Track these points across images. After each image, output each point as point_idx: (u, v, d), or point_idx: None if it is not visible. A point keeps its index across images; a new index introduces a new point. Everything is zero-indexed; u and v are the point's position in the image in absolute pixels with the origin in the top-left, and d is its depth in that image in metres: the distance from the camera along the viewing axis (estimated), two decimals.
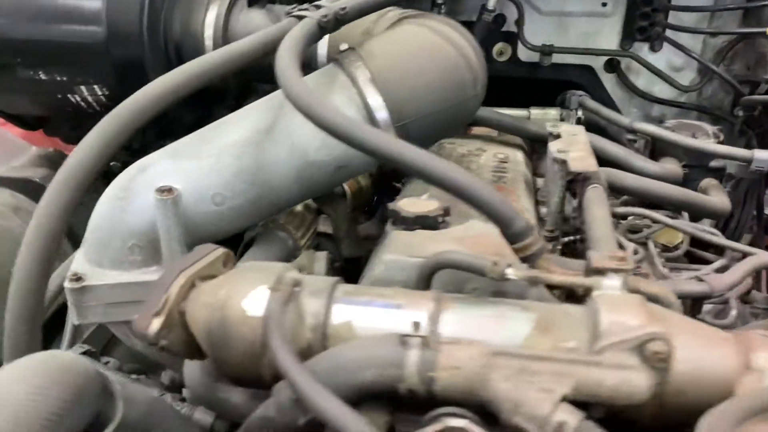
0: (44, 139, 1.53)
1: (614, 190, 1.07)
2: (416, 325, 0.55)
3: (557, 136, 1.18)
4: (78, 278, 0.84)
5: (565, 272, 0.65)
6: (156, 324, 0.66)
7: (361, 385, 0.53)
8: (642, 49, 1.52)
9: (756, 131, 1.40)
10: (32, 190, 1.28)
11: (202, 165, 0.84)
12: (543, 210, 1.15)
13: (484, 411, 0.52)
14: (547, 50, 1.49)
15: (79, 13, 1.09)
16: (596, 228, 0.90)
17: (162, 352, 0.69)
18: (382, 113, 0.86)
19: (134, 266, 0.86)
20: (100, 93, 1.16)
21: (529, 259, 0.66)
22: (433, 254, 0.69)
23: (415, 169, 0.67)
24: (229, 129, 0.86)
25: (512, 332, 0.59)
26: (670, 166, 1.22)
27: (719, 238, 1.03)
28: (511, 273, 0.64)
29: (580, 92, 1.44)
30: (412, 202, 0.88)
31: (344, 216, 1.11)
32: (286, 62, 0.76)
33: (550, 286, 0.65)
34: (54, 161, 1.40)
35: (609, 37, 1.51)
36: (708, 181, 1.23)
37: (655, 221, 1.03)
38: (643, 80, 1.55)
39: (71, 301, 0.84)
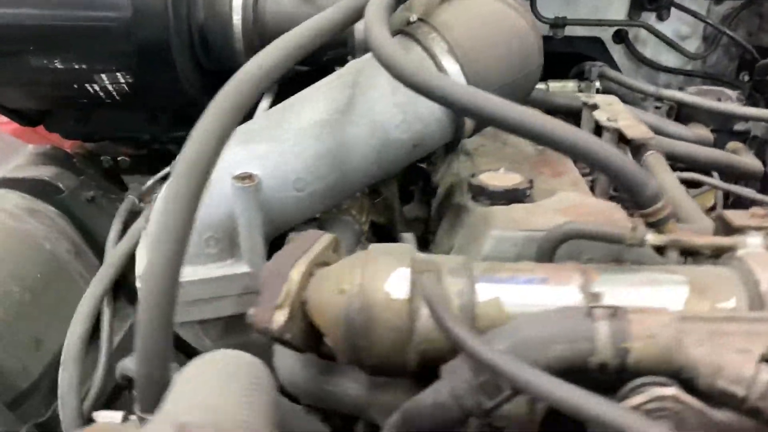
0: (33, 136, 1.42)
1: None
2: (596, 296, 0.53)
3: (594, 107, 1.18)
4: None
5: (702, 234, 0.64)
6: (280, 316, 0.62)
7: (551, 362, 0.50)
8: (649, 19, 1.54)
9: (766, 95, 1.44)
10: (44, 190, 1.19)
11: (281, 148, 0.79)
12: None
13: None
14: (560, 23, 1.49)
15: None
16: (673, 193, 0.90)
17: (284, 346, 0.66)
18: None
19: (210, 260, 0.80)
20: (123, 81, 1.08)
21: (658, 224, 0.65)
22: (556, 226, 0.67)
23: (538, 133, 0.63)
24: (303, 110, 0.82)
25: (670, 297, 0.58)
26: (701, 131, 1.24)
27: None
28: (651, 238, 0.63)
29: (600, 63, 1.44)
30: (493, 176, 0.86)
31: (396, 197, 1.07)
32: (377, 28, 0.71)
33: (686, 250, 0.64)
34: (58, 159, 1.30)
35: (618, 8, 1.52)
36: (734, 144, 1.26)
37: (713, 186, 1.05)
38: (650, 50, 1.57)
39: None
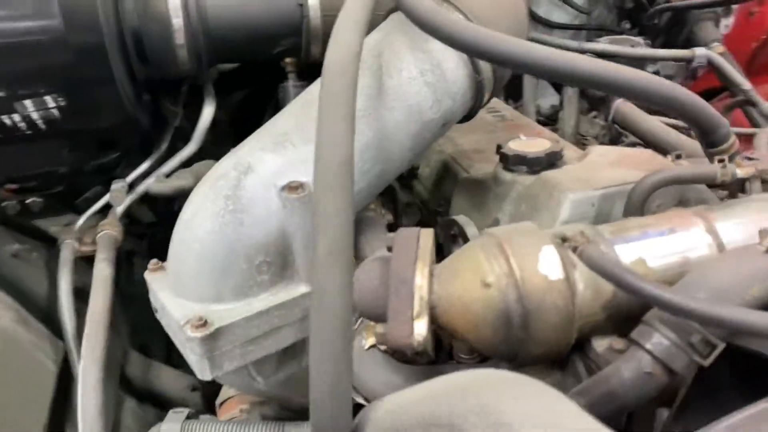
0: None
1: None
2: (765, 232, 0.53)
3: None
4: (204, 323, 0.66)
5: None
6: (421, 328, 0.56)
7: (749, 304, 0.50)
8: None
9: (655, 41, 1.57)
10: None
11: None
12: None
13: None
14: None
15: (22, 4, 0.83)
16: (661, 132, 0.96)
17: (419, 357, 0.59)
18: None
19: (262, 289, 0.70)
20: (53, 105, 0.90)
21: (730, 160, 0.68)
22: (646, 176, 0.68)
23: (602, 79, 0.63)
24: None
25: None
26: None
27: None
28: (740, 172, 0.65)
29: None
30: (523, 144, 0.85)
31: (397, 185, 1.03)
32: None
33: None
34: None
35: None
36: None
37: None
38: (543, 10, 1.65)
39: (200, 354, 0.66)
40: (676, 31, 1.63)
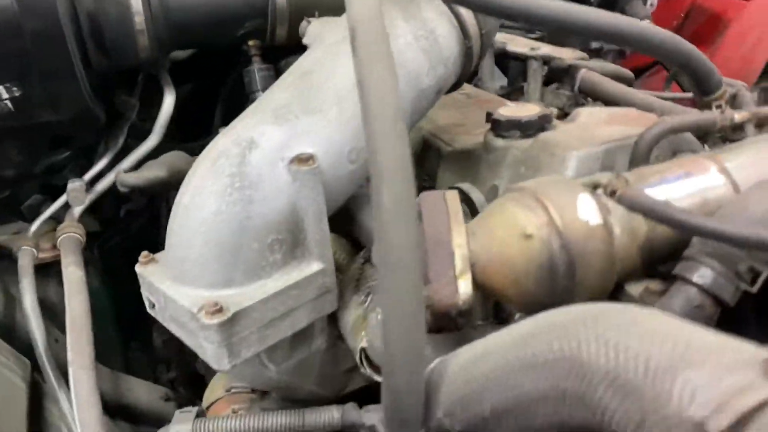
0: None
1: None
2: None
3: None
4: (219, 309, 0.62)
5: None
6: (465, 286, 0.55)
7: None
8: None
9: None
10: None
11: (327, 119, 0.68)
12: None
13: None
14: None
15: None
16: (630, 95, 0.99)
17: (462, 319, 0.58)
18: (472, 23, 0.80)
19: (275, 269, 0.66)
20: (6, 96, 0.82)
21: (721, 108, 0.71)
22: (651, 126, 0.69)
23: (607, 29, 0.64)
24: (333, 73, 0.71)
25: None
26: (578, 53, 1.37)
27: None
28: (738, 117, 0.68)
29: None
30: (513, 110, 0.85)
31: None
32: None
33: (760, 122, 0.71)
34: None
35: None
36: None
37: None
38: None
39: (217, 342, 0.62)
40: (608, 9, 1.69)
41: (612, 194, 0.55)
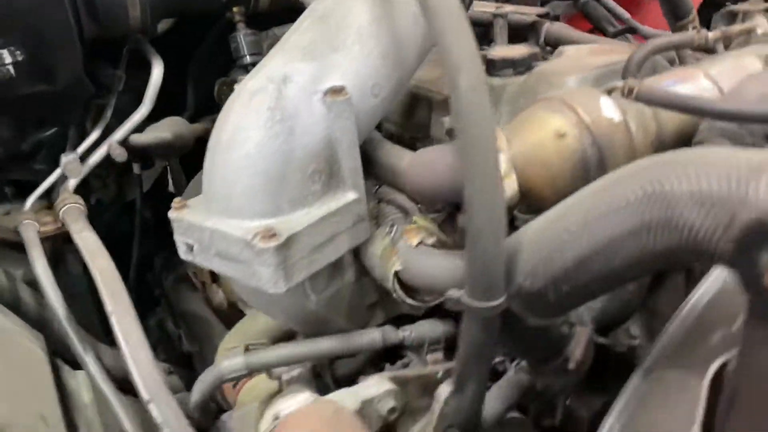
0: None
1: None
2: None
3: None
4: (273, 234, 0.65)
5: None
6: (511, 185, 0.61)
7: None
8: None
9: None
10: None
11: (351, 55, 0.72)
12: None
13: None
14: None
15: None
16: (596, 40, 1.08)
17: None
18: None
19: (316, 198, 0.70)
20: (9, 61, 0.82)
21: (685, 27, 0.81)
22: (642, 46, 0.77)
23: None
24: (351, 11, 0.75)
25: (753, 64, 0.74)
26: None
27: None
28: (711, 35, 0.78)
29: None
30: (506, 50, 0.92)
31: None
32: None
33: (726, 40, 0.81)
34: None
35: None
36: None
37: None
38: None
39: (275, 264, 0.65)
40: None
41: (629, 93, 0.62)
